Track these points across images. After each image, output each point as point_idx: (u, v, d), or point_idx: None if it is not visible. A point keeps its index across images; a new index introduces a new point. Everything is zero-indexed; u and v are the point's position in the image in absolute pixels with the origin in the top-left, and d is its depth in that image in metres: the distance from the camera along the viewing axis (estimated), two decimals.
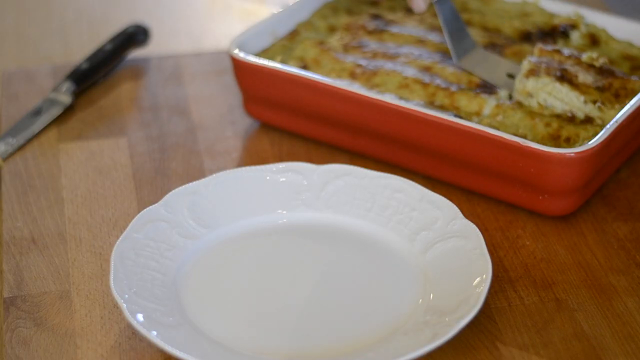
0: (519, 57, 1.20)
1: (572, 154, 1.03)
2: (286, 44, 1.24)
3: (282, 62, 1.20)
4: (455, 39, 1.18)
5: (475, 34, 1.23)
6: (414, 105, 1.11)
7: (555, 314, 0.98)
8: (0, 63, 1.42)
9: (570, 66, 1.12)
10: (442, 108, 1.13)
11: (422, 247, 1.03)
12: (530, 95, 1.11)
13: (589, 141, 1.05)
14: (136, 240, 1.01)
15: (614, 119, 1.07)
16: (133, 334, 0.96)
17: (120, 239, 1.00)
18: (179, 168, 1.17)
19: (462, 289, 0.96)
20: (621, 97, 1.11)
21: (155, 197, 1.10)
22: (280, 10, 1.28)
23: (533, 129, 1.09)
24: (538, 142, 1.07)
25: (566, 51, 1.15)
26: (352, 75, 1.17)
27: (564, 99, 1.10)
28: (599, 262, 1.04)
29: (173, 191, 1.06)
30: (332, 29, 1.27)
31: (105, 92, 1.30)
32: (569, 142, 1.08)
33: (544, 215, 1.09)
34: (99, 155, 1.19)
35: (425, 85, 1.15)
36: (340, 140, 1.17)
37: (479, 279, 0.96)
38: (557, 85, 1.10)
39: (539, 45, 1.16)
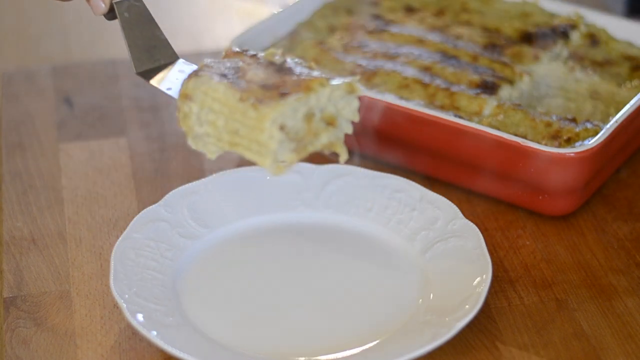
0: (519, 59, 1.20)
1: (572, 154, 1.03)
2: (286, 44, 1.24)
3: None
4: (138, 47, 1.03)
5: (475, 34, 1.23)
6: (414, 105, 1.11)
7: (555, 314, 0.98)
8: (0, 63, 1.42)
9: (245, 64, 0.95)
10: (442, 108, 1.12)
11: (422, 247, 1.03)
12: (189, 98, 0.94)
13: (589, 141, 1.05)
14: (136, 240, 1.01)
15: (614, 119, 1.07)
16: (133, 334, 0.96)
17: (120, 239, 1.00)
18: (179, 168, 1.17)
19: (462, 289, 0.96)
20: (288, 95, 0.91)
21: (155, 197, 1.10)
22: (280, 10, 1.28)
23: (533, 129, 1.09)
24: (538, 142, 1.07)
25: (252, 51, 0.98)
26: (352, 75, 1.17)
27: (221, 99, 0.92)
28: (599, 262, 1.04)
29: (173, 191, 1.06)
30: (332, 29, 1.27)
31: (105, 92, 1.30)
32: (569, 142, 1.08)
33: (544, 215, 1.09)
34: (99, 155, 1.19)
35: (425, 85, 1.15)
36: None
37: (479, 279, 0.96)
38: (213, 82, 0.92)
39: (228, 47, 1.00)
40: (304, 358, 0.93)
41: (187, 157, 1.18)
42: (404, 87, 1.15)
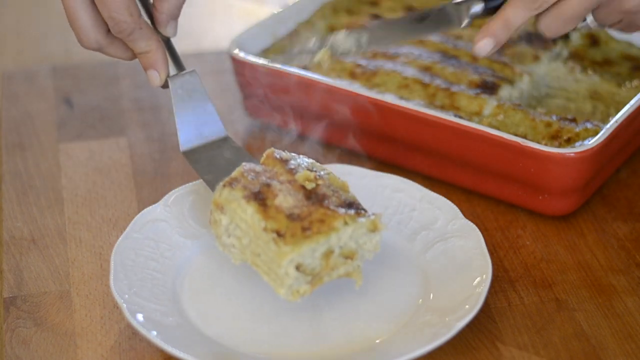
0: (519, 59, 1.20)
1: (572, 154, 1.03)
2: (286, 44, 1.24)
3: (282, 62, 1.20)
4: (187, 123, 1.04)
5: (476, 34, 1.23)
6: (414, 105, 1.11)
7: (555, 314, 0.98)
8: (0, 63, 1.42)
9: (278, 182, 0.96)
10: (442, 108, 1.12)
11: (422, 247, 1.03)
12: (221, 209, 0.96)
13: (589, 141, 1.05)
14: (136, 240, 1.01)
15: (614, 119, 1.07)
16: (133, 334, 0.96)
17: (120, 239, 1.00)
18: (179, 168, 1.17)
19: (462, 289, 0.96)
20: (311, 232, 0.91)
21: (155, 197, 1.10)
22: (280, 10, 1.28)
23: (534, 129, 1.09)
24: (538, 142, 1.07)
25: (293, 163, 0.98)
26: (352, 75, 1.17)
27: (248, 221, 0.93)
28: (599, 262, 1.04)
29: (173, 191, 1.06)
30: (332, 29, 1.27)
31: (105, 92, 1.30)
32: (569, 142, 1.08)
33: (544, 215, 1.09)
34: (99, 155, 1.19)
35: (425, 85, 1.15)
36: (339, 140, 1.17)
37: (479, 279, 0.96)
38: (243, 202, 0.94)
39: (270, 150, 1.00)
40: (303, 358, 0.93)
41: None
42: (404, 87, 1.15)
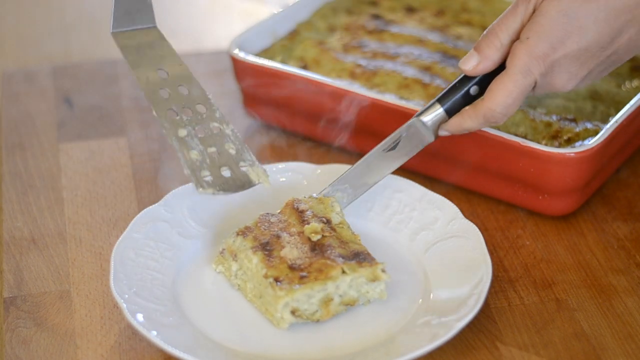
0: None
1: (572, 154, 1.03)
2: (286, 44, 1.24)
3: (282, 62, 1.20)
4: (123, 7, 1.06)
5: (475, 34, 1.23)
6: (414, 105, 1.11)
7: (555, 314, 0.98)
8: (0, 63, 1.42)
9: (287, 234, 0.98)
10: None
11: (422, 247, 1.03)
12: (234, 255, 0.99)
13: (589, 141, 1.05)
14: (136, 240, 1.01)
15: (614, 119, 1.07)
16: (133, 334, 0.96)
17: (120, 239, 1.00)
18: (179, 168, 1.17)
19: (462, 289, 0.96)
20: (307, 280, 0.93)
21: (155, 197, 1.10)
22: (280, 10, 1.28)
23: (534, 129, 1.09)
24: (538, 142, 1.07)
25: (309, 214, 1.00)
26: (352, 75, 1.17)
27: (253, 270, 0.96)
28: (599, 262, 1.04)
29: (173, 191, 1.06)
30: (332, 29, 1.27)
31: (105, 92, 1.30)
32: (569, 142, 1.08)
33: (544, 215, 1.09)
34: (99, 155, 1.19)
35: (425, 85, 1.15)
36: (339, 140, 1.17)
37: (479, 279, 0.96)
38: (250, 253, 0.97)
39: (291, 199, 1.02)
40: (303, 358, 0.93)
41: None
42: (404, 87, 1.15)
